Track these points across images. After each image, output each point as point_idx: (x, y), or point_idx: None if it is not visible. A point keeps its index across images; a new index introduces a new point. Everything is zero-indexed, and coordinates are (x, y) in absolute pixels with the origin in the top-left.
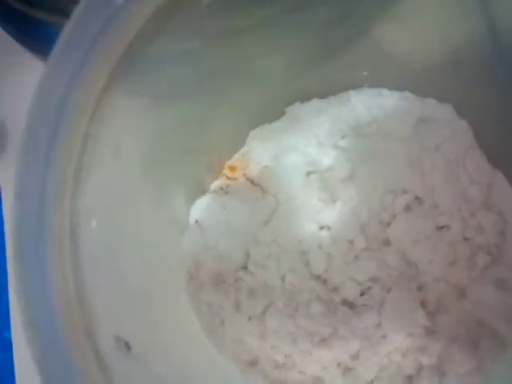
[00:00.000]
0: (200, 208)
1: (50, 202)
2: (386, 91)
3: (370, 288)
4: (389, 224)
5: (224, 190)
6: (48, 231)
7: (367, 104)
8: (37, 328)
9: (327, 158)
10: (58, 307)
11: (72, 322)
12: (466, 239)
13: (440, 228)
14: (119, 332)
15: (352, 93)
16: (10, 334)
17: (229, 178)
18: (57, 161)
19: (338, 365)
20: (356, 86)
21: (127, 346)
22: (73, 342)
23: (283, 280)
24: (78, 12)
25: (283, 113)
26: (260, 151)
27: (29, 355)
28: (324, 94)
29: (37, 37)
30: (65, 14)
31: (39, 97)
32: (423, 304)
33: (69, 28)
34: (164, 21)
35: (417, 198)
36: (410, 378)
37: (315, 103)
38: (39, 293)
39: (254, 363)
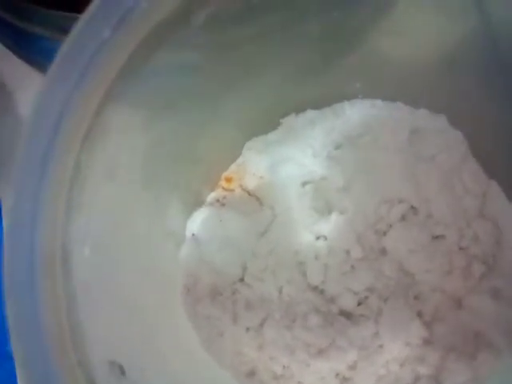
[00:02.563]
0: (197, 221)
1: (42, 231)
2: (379, 102)
3: (366, 298)
4: (385, 234)
5: (220, 202)
6: (40, 261)
7: (361, 115)
8: (29, 361)
9: (322, 169)
10: (51, 339)
11: (64, 352)
12: (461, 249)
13: (436, 238)
14: (114, 356)
15: (346, 104)
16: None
17: (225, 190)
18: (48, 187)
19: (336, 375)
20: (350, 97)
21: (121, 371)
22: (65, 372)
23: (280, 292)
24: (75, 31)
25: (278, 124)
26: (256, 162)
27: None
28: (318, 106)
29: (34, 51)
30: (61, 29)
31: (32, 122)
32: (420, 314)
33: (66, 46)
34: (157, 41)
35: (412, 207)
36: None
37: (310, 114)
38: (31, 326)
39: (252, 374)
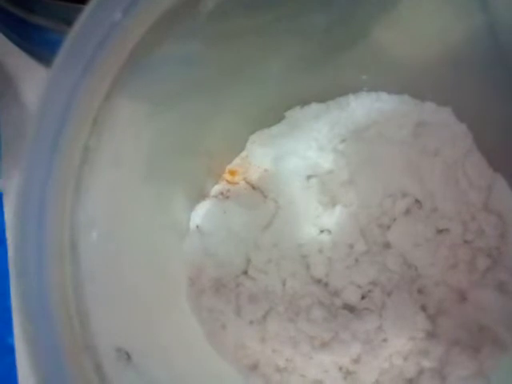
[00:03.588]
0: (200, 213)
1: (50, 216)
2: (384, 95)
3: (370, 292)
4: (389, 227)
5: (224, 195)
6: (48, 246)
7: (366, 108)
8: (37, 344)
9: (327, 162)
10: (59, 323)
11: (72, 336)
12: (466, 242)
13: (440, 231)
14: (120, 343)
15: (351, 97)
16: (12, 340)
17: (229, 183)
18: (57, 173)
19: (339, 369)
20: (355, 90)
21: (128, 357)
22: (73, 356)
23: (284, 284)
24: (78, 23)
25: (283, 117)
26: (260, 155)
27: None
28: (323, 99)
29: (36, 42)
30: (64, 20)
31: (41, 107)
32: (424, 307)
33: (70, 39)
34: (165, 28)
35: (417, 201)
36: (411, 381)
37: (314, 107)
38: (39, 309)
39: (255, 367)
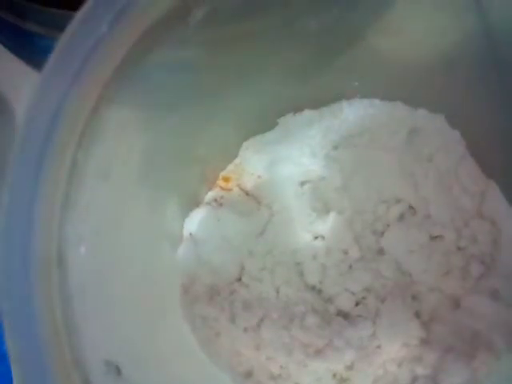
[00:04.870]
0: (194, 221)
1: (37, 230)
2: (377, 102)
3: (364, 298)
4: (382, 234)
5: (218, 202)
6: (35, 261)
7: (359, 115)
8: (24, 362)
9: (320, 169)
10: (46, 339)
11: (60, 353)
12: (459, 249)
13: (434, 238)
14: (110, 356)
15: (344, 103)
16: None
17: (223, 189)
18: (44, 187)
19: (333, 376)
20: (348, 96)
21: (118, 370)
22: (61, 371)
23: (278, 292)
24: (66, 35)
25: (276, 124)
26: (253, 162)
27: None
28: (316, 105)
29: (30, 48)
30: (57, 26)
31: (28, 119)
32: (418, 314)
33: (58, 49)
34: (154, 38)
35: (410, 207)
36: None
37: (307, 114)
38: (26, 325)
39: (249, 375)
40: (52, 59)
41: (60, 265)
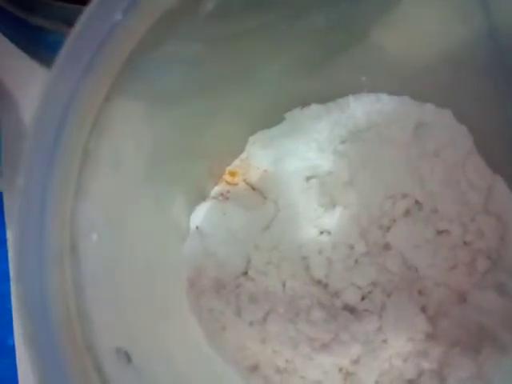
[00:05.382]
0: (200, 214)
1: (51, 218)
2: (385, 96)
3: (370, 293)
4: (389, 229)
5: (224, 196)
6: (49, 248)
7: (366, 109)
8: (37, 345)
9: (327, 163)
10: (59, 324)
11: (72, 337)
12: (466, 244)
13: (440, 232)
14: (120, 343)
15: (351, 98)
16: (13, 341)
17: (229, 184)
18: (57, 176)
19: (339, 370)
20: (355, 91)
21: (128, 358)
22: (73, 357)
23: (284, 285)
24: (79, 24)
25: (283, 118)
26: (259, 156)
27: None
28: (323, 100)
29: (37, 43)
30: (64, 21)
31: (41, 109)
32: (424, 309)
33: (71, 40)
34: (164, 30)
35: (417, 202)
36: (410, 382)
37: (314, 109)
38: (39, 310)
39: (255, 368)
40: (64, 50)
41: (73, 252)
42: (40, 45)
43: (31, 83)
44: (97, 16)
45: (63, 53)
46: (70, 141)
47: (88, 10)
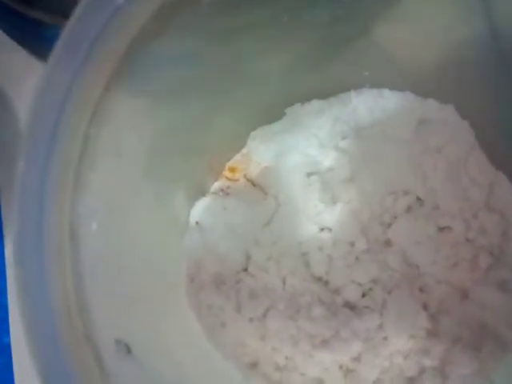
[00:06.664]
0: (200, 209)
1: (50, 207)
2: (387, 92)
3: (371, 290)
4: (390, 225)
5: (224, 192)
6: (48, 236)
7: (368, 105)
8: (37, 334)
9: (328, 159)
10: (58, 313)
11: (72, 327)
12: (468, 240)
13: (442, 229)
14: (119, 335)
15: (353, 93)
16: (8, 339)
17: (229, 179)
18: (57, 164)
19: (340, 367)
20: (357, 86)
21: (127, 349)
22: (73, 347)
23: (284, 282)
24: (77, 13)
25: (283, 114)
26: (260, 152)
27: (28, 360)
28: (324, 95)
29: (35, 37)
30: (63, 14)
31: (39, 98)
32: (425, 306)
33: (69, 29)
34: (164, 21)
35: (418, 199)
36: (411, 380)
37: (316, 104)
38: (39, 299)
39: (254, 365)
40: (64, 36)
41: (72, 240)
42: (38, 39)
43: (29, 78)
44: (97, 1)
45: (62, 39)
46: (69, 130)
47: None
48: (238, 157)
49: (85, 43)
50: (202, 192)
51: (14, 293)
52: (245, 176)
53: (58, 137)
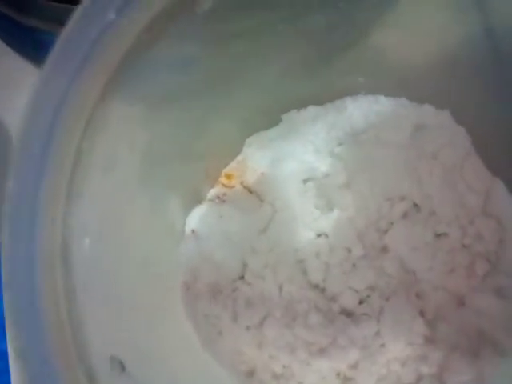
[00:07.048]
0: (196, 217)
1: (42, 222)
2: (382, 98)
3: (368, 297)
4: (386, 231)
5: (221, 199)
6: (39, 253)
7: (364, 111)
8: (28, 357)
9: (324, 166)
10: (50, 333)
11: (64, 348)
12: (464, 247)
13: (438, 235)
14: (114, 351)
15: (348, 100)
16: (5, 345)
17: (225, 186)
18: (49, 176)
19: (337, 375)
20: (352, 92)
21: (122, 366)
22: (65, 369)
23: (281, 290)
24: (71, 23)
25: (279, 120)
26: (256, 158)
27: None
28: (320, 101)
29: (30, 44)
30: (58, 21)
31: (32, 107)
32: (422, 312)
33: (63, 37)
34: (159, 29)
35: (415, 204)
36: None
37: (311, 110)
38: (30, 320)
39: (251, 374)
40: (57, 47)
41: (65, 256)
42: (34, 46)
43: (25, 85)
44: (90, 14)
45: (56, 50)
46: (62, 140)
47: (81, 8)
48: (234, 163)
49: (79, 53)
50: (197, 199)
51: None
52: (241, 183)
53: (51, 148)
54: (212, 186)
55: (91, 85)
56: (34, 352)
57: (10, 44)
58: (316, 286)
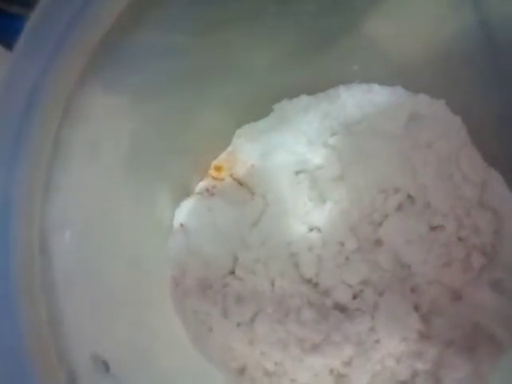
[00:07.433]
0: (185, 211)
1: (17, 215)
2: (376, 86)
3: (362, 291)
4: (380, 224)
5: (210, 192)
6: (15, 248)
7: (357, 100)
8: (3, 360)
9: (317, 157)
10: (26, 332)
11: (43, 348)
12: (460, 239)
13: (434, 228)
14: (98, 351)
15: (342, 88)
16: None
17: (215, 179)
18: (23, 167)
19: (330, 371)
20: (346, 81)
21: (105, 366)
22: (43, 369)
23: (273, 284)
24: (43, 3)
25: (270, 110)
26: (247, 150)
27: None
28: (313, 90)
29: (15, 33)
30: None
31: (3, 93)
32: (417, 307)
33: (36, 16)
34: (142, 11)
35: (409, 196)
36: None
37: (304, 100)
38: (5, 320)
39: (242, 371)
40: (29, 27)
41: (43, 251)
42: (15, 32)
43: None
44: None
45: (27, 31)
46: (37, 128)
47: None
48: (223, 155)
49: (53, 34)
50: (186, 192)
51: None
52: (231, 175)
53: (25, 136)
54: (201, 179)
55: (67, 69)
56: (10, 352)
57: None
58: (309, 281)
